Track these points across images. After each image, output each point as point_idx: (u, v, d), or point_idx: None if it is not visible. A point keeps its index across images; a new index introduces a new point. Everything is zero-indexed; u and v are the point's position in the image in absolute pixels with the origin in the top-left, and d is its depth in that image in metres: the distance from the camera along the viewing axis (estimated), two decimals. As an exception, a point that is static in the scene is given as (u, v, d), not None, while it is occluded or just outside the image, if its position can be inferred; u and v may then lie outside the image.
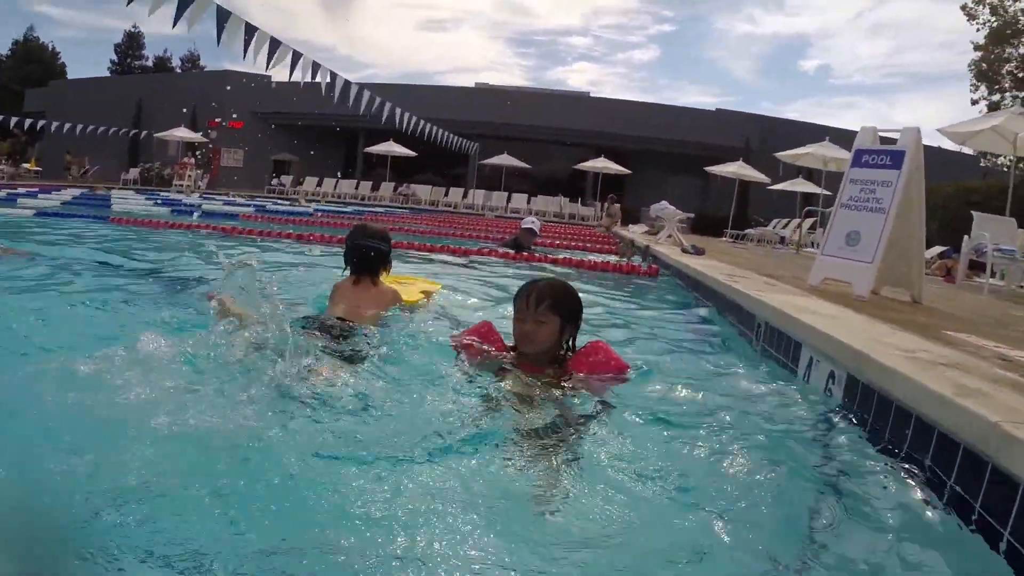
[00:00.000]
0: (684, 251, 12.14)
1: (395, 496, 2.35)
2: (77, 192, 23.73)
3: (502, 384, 3.48)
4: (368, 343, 4.04)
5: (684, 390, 3.82)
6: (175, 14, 11.28)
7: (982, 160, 44.64)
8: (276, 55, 13.75)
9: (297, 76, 14.92)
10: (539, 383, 3.51)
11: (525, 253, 11.37)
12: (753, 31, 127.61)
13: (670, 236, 15.43)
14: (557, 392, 3.45)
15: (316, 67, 15.51)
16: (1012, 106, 32.01)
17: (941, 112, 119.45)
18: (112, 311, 4.95)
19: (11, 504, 2.17)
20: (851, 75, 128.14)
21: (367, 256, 4.75)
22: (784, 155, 25.93)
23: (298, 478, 2.43)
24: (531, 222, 12.46)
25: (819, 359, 3.92)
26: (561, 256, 11.53)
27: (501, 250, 11.45)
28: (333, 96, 17.54)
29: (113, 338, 3.68)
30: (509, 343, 3.86)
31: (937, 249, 22.60)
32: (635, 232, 23.78)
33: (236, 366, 3.28)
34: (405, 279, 6.24)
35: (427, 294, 5.73)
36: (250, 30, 12.65)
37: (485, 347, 3.82)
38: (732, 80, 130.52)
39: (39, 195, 19.87)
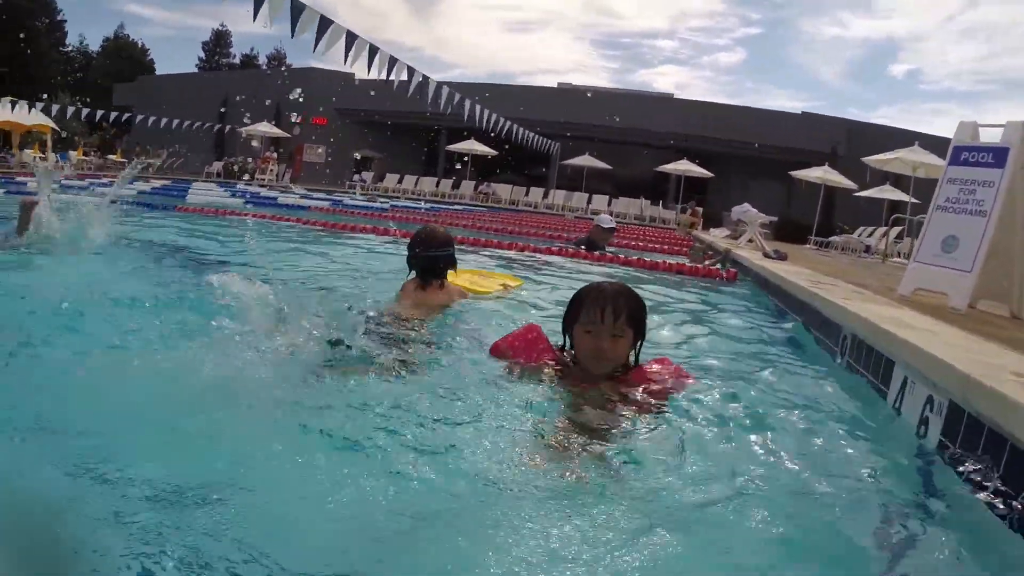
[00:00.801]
0: (766, 255, 11.64)
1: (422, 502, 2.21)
2: (159, 184, 24.28)
3: (554, 400, 3.13)
4: (422, 341, 3.98)
5: (754, 404, 3.41)
6: (254, 9, 11.23)
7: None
8: (354, 50, 13.63)
9: (377, 74, 14.86)
10: (597, 397, 3.15)
11: (597, 253, 10.97)
12: (842, 34, 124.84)
13: (751, 240, 14.88)
14: (618, 408, 3.08)
15: (393, 62, 15.36)
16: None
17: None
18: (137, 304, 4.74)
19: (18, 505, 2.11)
20: (942, 80, 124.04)
21: (433, 265, 4.82)
22: (872, 160, 25.11)
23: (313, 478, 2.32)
24: (607, 220, 11.97)
25: (915, 381, 3.42)
26: (635, 257, 11.07)
27: (572, 249, 11.10)
28: (414, 92, 17.43)
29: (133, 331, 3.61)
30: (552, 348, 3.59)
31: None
32: (716, 236, 23.21)
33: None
34: (486, 273, 6.31)
35: (506, 287, 5.79)
36: (326, 25, 12.54)
37: (533, 363, 3.43)
38: (819, 84, 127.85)
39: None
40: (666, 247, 15.75)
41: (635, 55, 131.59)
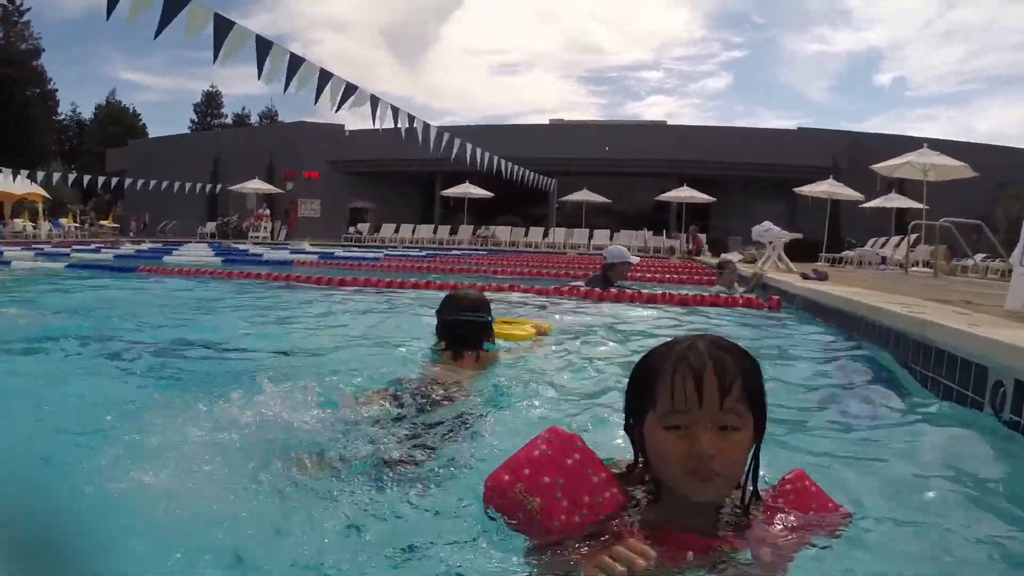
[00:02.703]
0: (806, 277, 10.41)
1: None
2: (147, 247, 24.44)
3: None
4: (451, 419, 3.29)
5: (907, 491, 2.48)
6: (258, 67, 10.59)
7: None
8: (351, 100, 12.85)
9: (379, 123, 14.16)
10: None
11: (614, 290, 9.71)
12: (825, 49, 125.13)
13: (779, 260, 13.68)
14: None
15: (396, 111, 14.44)
16: None
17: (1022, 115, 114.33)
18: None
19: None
20: (927, 85, 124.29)
21: (466, 333, 4.10)
22: (881, 167, 24.18)
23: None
24: (619, 253, 10.60)
25: None
26: (659, 292, 9.80)
27: (585, 289, 9.83)
28: (409, 138, 16.60)
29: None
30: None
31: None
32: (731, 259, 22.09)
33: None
34: (512, 321, 5.75)
35: (539, 331, 5.25)
36: (326, 78, 11.84)
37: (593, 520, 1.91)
38: (808, 101, 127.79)
39: (100, 250, 21.40)
40: (684, 277, 14.51)
41: (622, 88, 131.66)
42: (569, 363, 4.94)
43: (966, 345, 3.76)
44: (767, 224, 14.85)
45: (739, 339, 5.65)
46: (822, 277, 10.27)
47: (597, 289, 9.66)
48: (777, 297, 9.02)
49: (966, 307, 5.79)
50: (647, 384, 1.92)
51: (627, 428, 2.05)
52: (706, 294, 9.57)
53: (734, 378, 1.83)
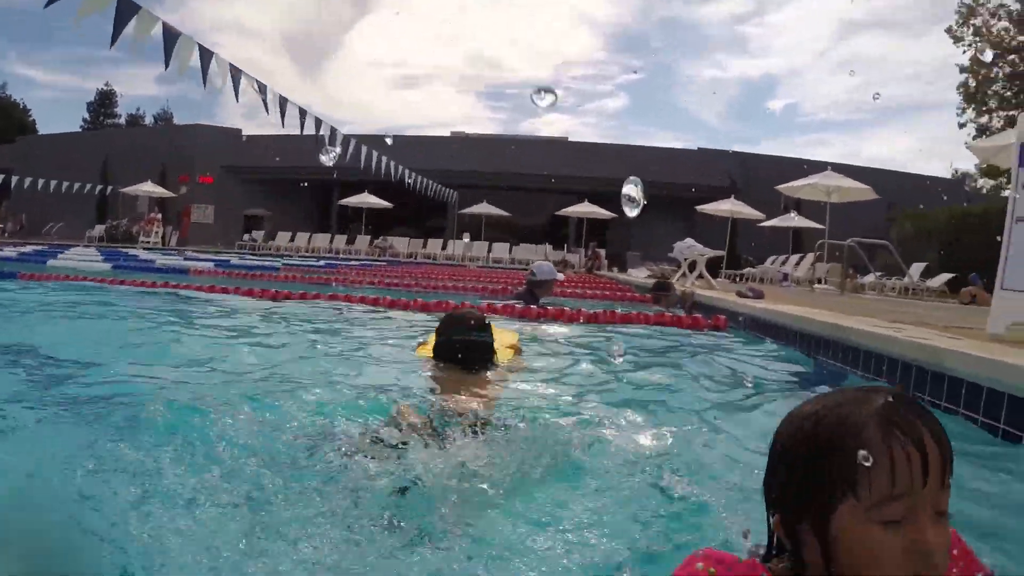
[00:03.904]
0: (741, 295, 10.23)
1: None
2: (31, 249, 22.73)
3: None
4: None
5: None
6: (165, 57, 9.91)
7: (966, 184, 43.91)
8: (254, 96, 12.23)
9: (268, 128, 13.55)
10: None
11: (537, 308, 9.24)
12: (720, 75, 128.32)
13: (701, 277, 13.55)
14: None
15: (288, 108, 13.71)
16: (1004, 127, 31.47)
17: (913, 143, 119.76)
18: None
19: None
20: (819, 112, 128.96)
21: (474, 353, 3.99)
22: (785, 187, 24.81)
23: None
24: (547, 269, 10.19)
25: None
26: (596, 310, 9.42)
27: (521, 307, 9.39)
28: (309, 145, 15.95)
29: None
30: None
31: (944, 277, 21.29)
32: (638, 276, 22.04)
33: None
34: None
35: (514, 348, 4.84)
36: (235, 71, 11.17)
37: None
38: (702, 124, 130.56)
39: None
40: (607, 293, 14.21)
41: (521, 105, 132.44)
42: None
43: (999, 376, 3.48)
44: (690, 241, 14.76)
45: (709, 362, 5.32)
46: (758, 295, 10.12)
47: (534, 307, 9.23)
48: (723, 317, 8.76)
49: (951, 332, 5.60)
50: (839, 466, 1.35)
51: (783, 524, 1.45)
52: (650, 313, 9.25)
53: (948, 443, 1.35)
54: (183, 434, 2.97)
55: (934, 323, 6.79)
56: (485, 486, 2.71)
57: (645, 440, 3.27)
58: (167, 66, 9.75)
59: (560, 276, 10.55)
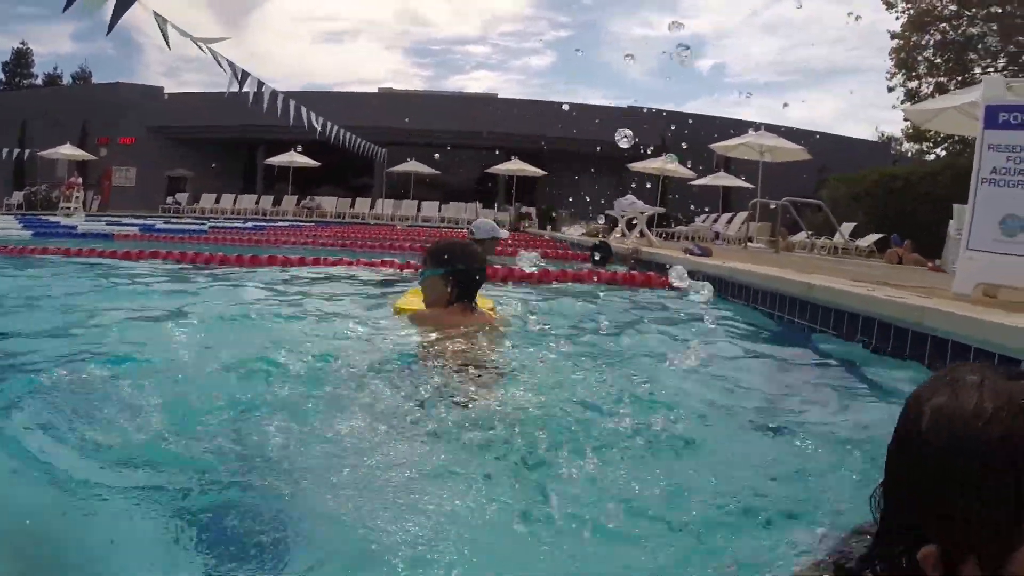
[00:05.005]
0: (689, 252, 10.14)
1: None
2: None
3: None
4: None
5: None
6: None
7: (892, 148, 44.89)
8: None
9: (191, 87, 12.98)
10: None
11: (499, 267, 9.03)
12: (649, 34, 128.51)
13: (642, 235, 13.47)
14: None
15: (214, 59, 13.15)
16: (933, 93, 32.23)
17: (835, 107, 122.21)
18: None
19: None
20: (746, 73, 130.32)
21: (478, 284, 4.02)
22: (719, 146, 24.88)
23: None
24: (488, 227, 9.91)
25: None
26: (553, 269, 9.19)
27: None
28: (233, 101, 15.34)
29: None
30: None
31: (873, 237, 21.74)
32: (573, 234, 21.97)
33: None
34: None
35: (491, 311, 4.57)
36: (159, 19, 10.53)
37: None
38: (629, 82, 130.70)
39: None
40: (550, 251, 13.99)
41: (447, 61, 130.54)
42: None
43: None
44: (631, 198, 14.64)
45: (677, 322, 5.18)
46: (705, 253, 10.05)
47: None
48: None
49: (918, 292, 5.56)
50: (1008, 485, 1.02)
51: (943, 557, 1.09)
52: (601, 271, 9.09)
53: None
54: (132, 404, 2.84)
55: (896, 282, 6.77)
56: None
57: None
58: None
59: (504, 234, 10.33)
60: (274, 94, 17.85)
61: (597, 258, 10.23)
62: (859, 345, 4.75)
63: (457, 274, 3.86)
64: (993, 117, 5.60)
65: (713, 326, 5.46)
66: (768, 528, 2.11)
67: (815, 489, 2.40)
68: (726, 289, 7.40)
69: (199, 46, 11.28)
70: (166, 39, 10.47)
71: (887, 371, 4.18)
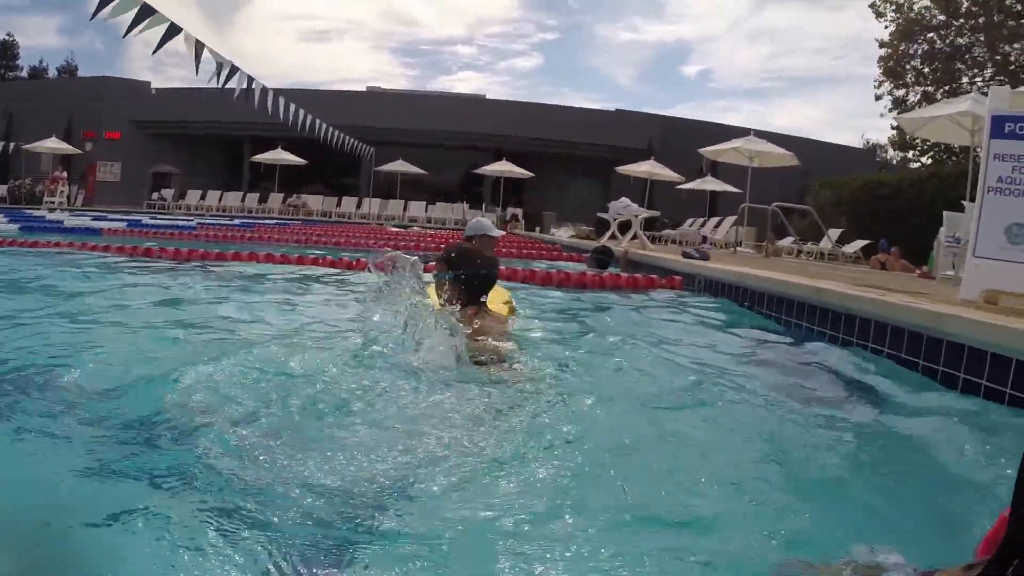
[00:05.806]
0: (687, 256, 10.19)
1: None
2: None
3: None
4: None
5: None
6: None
7: (877, 155, 45.19)
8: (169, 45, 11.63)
9: (178, 82, 12.97)
10: None
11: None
12: (635, 39, 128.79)
13: (635, 238, 13.53)
14: None
15: (203, 55, 13.15)
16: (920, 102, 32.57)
17: (819, 114, 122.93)
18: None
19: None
20: (731, 79, 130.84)
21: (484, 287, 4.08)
22: (708, 151, 24.94)
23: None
24: (482, 225, 9.82)
25: None
26: (547, 269, 9.26)
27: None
28: (220, 97, 15.29)
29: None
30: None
31: (860, 243, 21.88)
32: (561, 236, 22.02)
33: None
34: None
35: (508, 304, 4.82)
36: (146, 11, 10.53)
37: None
38: (615, 86, 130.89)
39: None
40: (544, 253, 14.05)
41: (434, 62, 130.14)
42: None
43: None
44: (625, 200, 14.68)
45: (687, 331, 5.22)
46: (704, 256, 10.11)
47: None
48: (679, 279, 8.70)
49: (920, 298, 5.64)
50: None
51: None
52: (604, 273, 9.13)
53: None
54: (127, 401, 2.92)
55: (896, 287, 6.86)
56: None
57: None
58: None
59: (498, 233, 10.29)
60: (264, 91, 17.83)
61: (597, 262, 10.29)
62: (866, 349, 4.82)
63: (466, 279, 3.98)
64: (999, 127, 5.70)
65: (720, 330, 5.53)
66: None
67: (825, 496, 2.46)
68: (732, 293, 7.46)
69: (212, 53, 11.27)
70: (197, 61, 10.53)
71: (898, 377, 4.25)
